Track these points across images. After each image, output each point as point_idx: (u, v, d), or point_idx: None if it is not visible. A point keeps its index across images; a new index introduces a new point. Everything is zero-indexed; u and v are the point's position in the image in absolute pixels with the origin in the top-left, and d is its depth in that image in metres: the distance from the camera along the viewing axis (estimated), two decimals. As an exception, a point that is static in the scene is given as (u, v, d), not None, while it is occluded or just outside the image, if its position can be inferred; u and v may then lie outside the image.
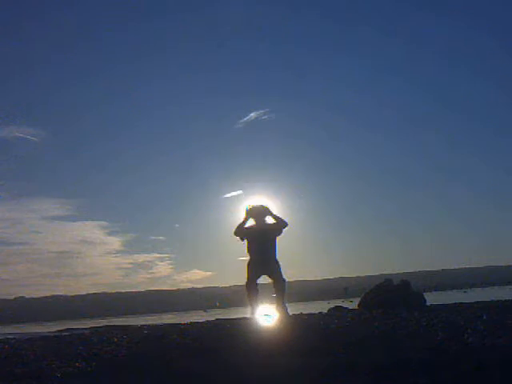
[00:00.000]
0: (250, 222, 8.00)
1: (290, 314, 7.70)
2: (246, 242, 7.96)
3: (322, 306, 16.92)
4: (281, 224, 7.90)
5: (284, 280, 7.81)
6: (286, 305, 7.73)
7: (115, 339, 5.93)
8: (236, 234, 7.99)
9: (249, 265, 7.85)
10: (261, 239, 7.83)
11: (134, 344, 5.06)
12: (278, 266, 7.88)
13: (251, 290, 7.66)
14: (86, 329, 10.81)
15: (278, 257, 7.89)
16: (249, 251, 7.91)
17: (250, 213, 7.97)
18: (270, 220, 7.96)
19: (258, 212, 7.97)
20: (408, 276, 14.74)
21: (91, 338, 6.86)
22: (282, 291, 7.74)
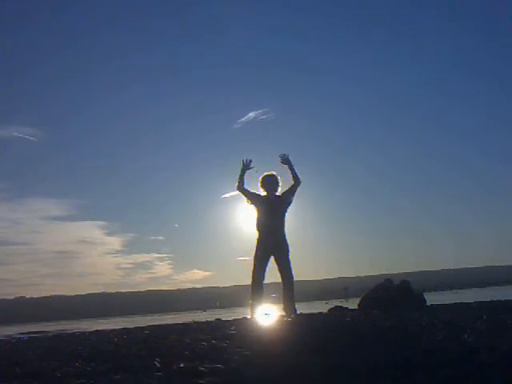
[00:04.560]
0: (262, 193, 7.80)
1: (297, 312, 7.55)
2: (255, 212, 7.70)
3: (321, 306, 16.92)
4: (296, 183, 7.65)
5: (292, 277, 7.54)
6: (296, 306, 7.57)
7: (115, 339, 5.93)
8: (238, 188, 7.78)
9: (257, 249, 7.53)
10: (271, 211, 7.60)
11: (134, 344, 5.06)
12: (288, 250, 7.55)
13: (257, 289, 7.49)
14: (85, 329, 10.81)
15: (286, 235, 7.60)
16: (257, 225, 7.63)
17: (262, 182, 7.79)
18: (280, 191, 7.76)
19: (270, 181, 7.78)
20: (408, 276, 14.73)
21: (91, 337, 6.86)
22: (291, 288, 7.50)
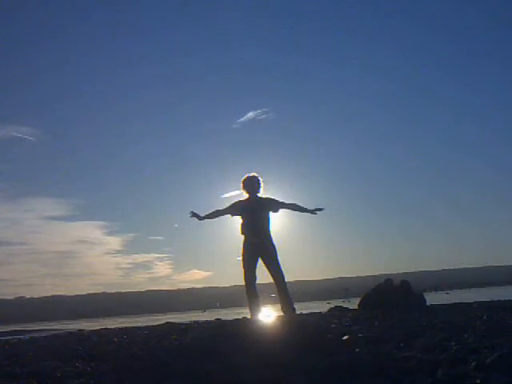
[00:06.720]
0: (244, 196, 7.55)
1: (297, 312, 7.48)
2: (240, 219, 7.52)
3: (322, 306, 16.92)
4: (298, 209, 7.49)
5: (283, 276, 7.47)
6: (295, 306, 7.52)
7: (115, 339, 5.93)
8: (216, 216, 7.61)
9: (243, 253, 7.42)
10: (254, 213, 7.39)
11: (134, 344, 5.06)
12: (275, 250, 7.44)
13: (251, 292, 7.45)
14: (85, 329, 10.82)
15: (272, 235, 7.45)
16: (241, 229, 7.50)
17: (243, 184, 7.52)
18: (264, 193, 7.54)
19: (251, 183, 7.51)
20: (408, 276, 14.72)
21: (91, 337, 6.86)
22: (285, 287, 7.43)
